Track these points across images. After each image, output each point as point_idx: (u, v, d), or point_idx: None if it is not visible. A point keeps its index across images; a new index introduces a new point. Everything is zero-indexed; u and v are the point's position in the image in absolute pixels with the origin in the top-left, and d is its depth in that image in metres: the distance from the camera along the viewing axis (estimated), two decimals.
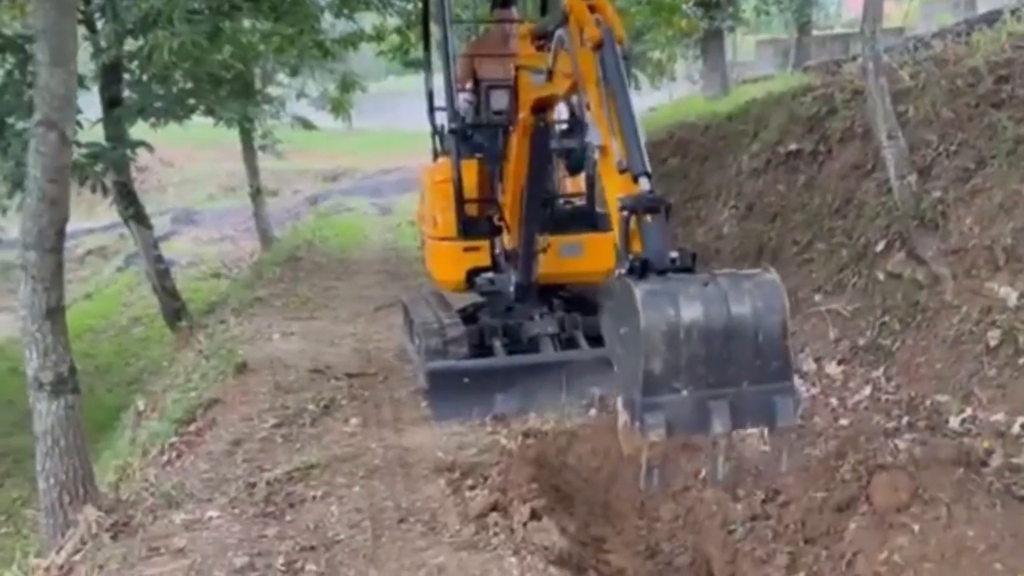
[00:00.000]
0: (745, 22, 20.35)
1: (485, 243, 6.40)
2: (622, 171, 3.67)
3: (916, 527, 3.62)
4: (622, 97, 3.87)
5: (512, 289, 6.28)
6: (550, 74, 4.83)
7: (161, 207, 23.99)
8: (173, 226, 22.97)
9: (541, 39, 5.04)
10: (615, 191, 3.65)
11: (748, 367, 3.08)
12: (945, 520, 3.63)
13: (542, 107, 5.44)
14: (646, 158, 3.67)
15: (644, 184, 3.55)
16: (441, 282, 6.73)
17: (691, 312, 2.99)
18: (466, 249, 6.39)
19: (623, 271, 3.27)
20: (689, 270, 3.30)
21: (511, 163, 5.88)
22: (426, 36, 7.48)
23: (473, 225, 6.40)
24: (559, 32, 4.45)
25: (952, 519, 3.63)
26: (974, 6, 15.94)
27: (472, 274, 6.43)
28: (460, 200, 6.33)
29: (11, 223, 10.45)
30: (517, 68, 5.67)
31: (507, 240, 6.27)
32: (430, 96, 7.13)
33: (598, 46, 3.98)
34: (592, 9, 4.17)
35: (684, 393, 3.02)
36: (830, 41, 22.74)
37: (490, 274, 6.38)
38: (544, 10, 7.78)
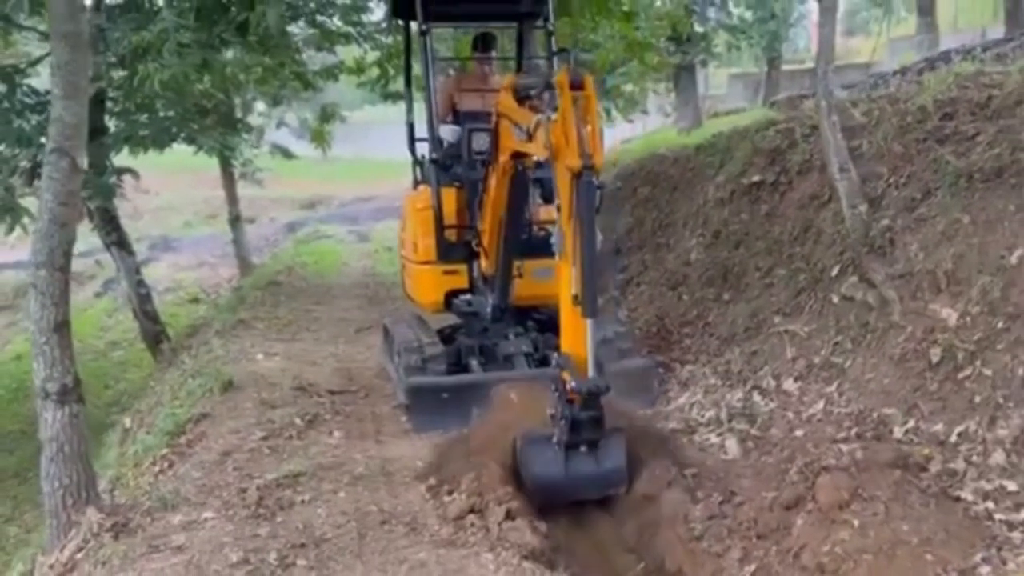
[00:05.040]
0: (717, 56, 20.95)
1: (463, 267, 6.74)
2: (575, 302, 4.43)
3: (856, 522, 3.97)
4: (588, 233, 4.38)
5: (489, 310, 6.61)
6: (530, 135, 5.08)
7: (136, 234, 24.15)
8: (151, 253, 23.16)
9: (522, 95, 5.41)
10: (567, 313, 4.59)
11: None
12: (883, 516, 3.98)
13: (521, 155, 5.71)
14: (597, 302, 4.56)
15: (589, 326, 4.47)
16: (421, 304, 7.05)
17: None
18: (445, 272, 6.75)
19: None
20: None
21: (490, 197, 6.21)
22: (407, 72, 7.83)
23: (452, 250, 6.74)
24: (539, 119, 4.80)
25: (889, 515, 3.98)
26: (937, 44, 16.59)
27: (450, 296, 6.77)
28: (440, 226, 6.67)
29: None
30: (499, 115, 5.88)
31: (484, 264, 6.60)
32: (411, 128, 7.47)
33: (577, 175, 4.36)
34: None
35: None
36: (799, 75, 23.40)
37: (468, 296, 6.72)
38: (520, 50, 8.17)
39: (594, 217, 4.39)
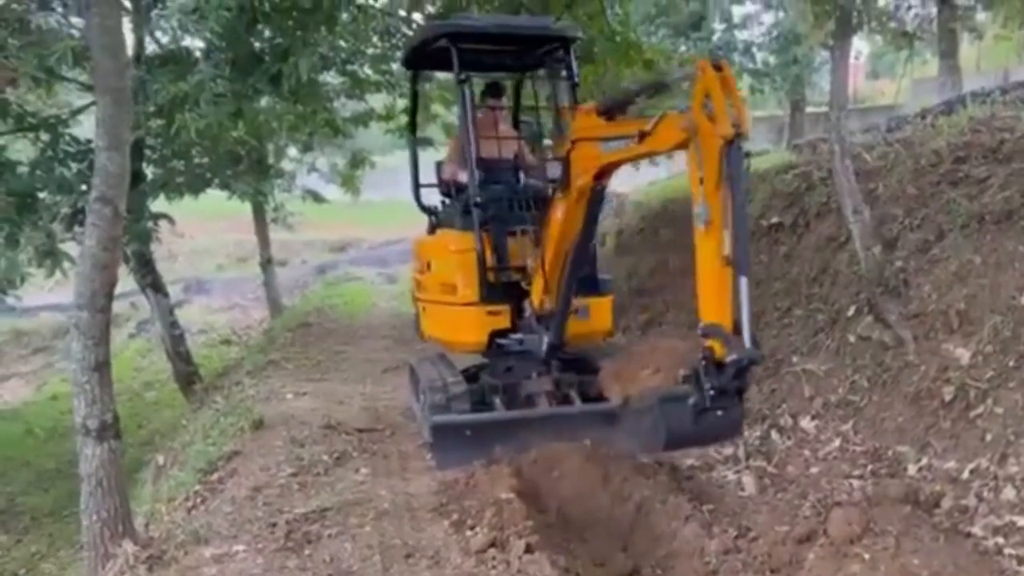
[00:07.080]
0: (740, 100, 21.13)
1: (506, 307, 6.85)
2: (727, 264, 4.46)
3: (867, 556, 4.07)
4: (740, 197, 4.48)
5: (544, 349, 6.70)
6: (642, 136, 5.14)
7: (171, 276, 24.55)
8: (184, 295, 23.52)
9: (609, 110, 5.58)
10: (712, 280, 4.55)
11: None
12: (893, 550, 4.07)
13: (604, 172, 5.83)
14: (750, 260, 4.57)
15: (743, 284, 4.41)
16: (463, 344, 7.06)
17: None
18: (489, 313, 6.86)
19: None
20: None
21: (556, 228, 6.29)
22: (412, 122, 8.20)
23: (494, 291, 6.87)
24: (667, 111, 4.94)
25: (900, 550, 4.08)
26: (960, 86, 16.71)
27: (494, 336, 6.88)
28: (483, 268, 6.81)
29: (25, 291, 10.89)
30: (574, 142, 5.96)
31: (543, 301, 6.64)
32: (415, 177, 7.75)
33: (729, 142, 4.50)
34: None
35: None
36: (823, 118, 23.54)
37: (519, 335, 6.81)
38: (518, 97, 8.37)
39: (744, 184, 4.54)
